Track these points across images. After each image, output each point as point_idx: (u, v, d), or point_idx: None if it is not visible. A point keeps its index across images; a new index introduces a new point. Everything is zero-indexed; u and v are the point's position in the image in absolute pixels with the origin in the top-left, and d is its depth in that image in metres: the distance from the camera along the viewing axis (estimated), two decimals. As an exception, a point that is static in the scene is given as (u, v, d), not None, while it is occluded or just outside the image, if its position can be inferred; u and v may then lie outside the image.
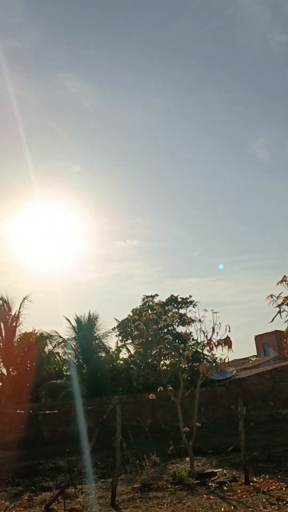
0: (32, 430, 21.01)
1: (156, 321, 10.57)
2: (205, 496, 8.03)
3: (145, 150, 56.10)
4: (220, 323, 9.55)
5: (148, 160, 55.95)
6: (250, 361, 44.15)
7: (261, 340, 46.72)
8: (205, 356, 26.15)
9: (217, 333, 9.42)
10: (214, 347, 9.32)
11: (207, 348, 9.46)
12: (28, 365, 23.84)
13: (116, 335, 28.26)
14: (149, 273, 59.10)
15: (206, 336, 9.71)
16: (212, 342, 9.36)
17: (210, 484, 8.67)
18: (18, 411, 18.22)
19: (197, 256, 59.83)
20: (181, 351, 10.73)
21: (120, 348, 27.74)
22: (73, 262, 53.44)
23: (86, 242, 55.83)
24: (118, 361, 27.10)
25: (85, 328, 26.14)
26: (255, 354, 47.65)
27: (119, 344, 28.34)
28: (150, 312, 10.73)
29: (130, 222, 58.59)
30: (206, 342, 9.52)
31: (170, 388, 10.49)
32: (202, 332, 9.60)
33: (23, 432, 20.84)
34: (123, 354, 28.11)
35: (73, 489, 8.95)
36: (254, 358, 46.27)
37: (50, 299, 51.91)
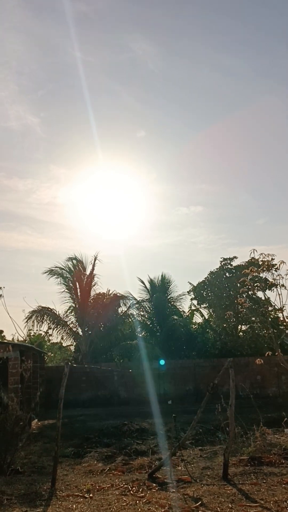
0: (108, 390, 20.96)
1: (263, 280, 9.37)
2: None
3: (212, 112, 53.19)
4: None
5: (215, 123, 53.04)
6: None
7: None
8: (284, 323, 24.69)
9: None
10: None
11: None
12: (102, 325, 23.63)
13: (190, 299, 27.26)
14: (212, 240, 57.22)
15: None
16: None
17: None
18: (97, 366, 17.98)
19: (263, 224, 57.03)
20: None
21: (194, 312, 26.86)
22: (137, 228, 52.87)
23: (149, 208, 54.82)
24: (191, 325, 26.28)
25: (159, 290, 25.42)
26: None
27: (193, 308, 27.39)
28: (256, 269, 9.56)
29: (194, 188, 56.60)
30: None
31: (279, 353, 9.34)
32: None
33: (100, 391, 20.84)
34: (197, 318, 27.26)
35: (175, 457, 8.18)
36: None
37: (115, 265, 51.90)
